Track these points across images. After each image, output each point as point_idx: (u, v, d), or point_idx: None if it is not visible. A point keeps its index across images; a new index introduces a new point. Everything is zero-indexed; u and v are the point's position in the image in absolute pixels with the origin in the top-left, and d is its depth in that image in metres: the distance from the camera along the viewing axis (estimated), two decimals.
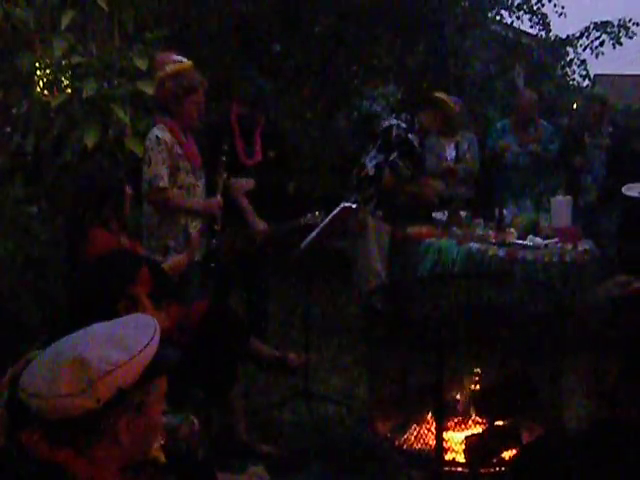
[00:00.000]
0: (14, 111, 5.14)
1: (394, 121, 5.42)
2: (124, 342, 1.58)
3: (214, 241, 4.29)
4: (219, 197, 4.25)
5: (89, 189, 3.59)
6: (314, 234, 4.13)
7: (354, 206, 4.44)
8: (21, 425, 1.61)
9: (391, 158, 5.25)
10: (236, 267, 4.72)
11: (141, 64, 4.71)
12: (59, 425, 1.53)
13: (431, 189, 5.59)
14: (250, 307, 4.86)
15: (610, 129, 6.16)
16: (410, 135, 5.31)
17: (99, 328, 1.64)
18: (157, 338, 1.61)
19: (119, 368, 1.53)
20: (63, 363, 1.53)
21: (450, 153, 6.01)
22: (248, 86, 4.84)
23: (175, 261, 3.80)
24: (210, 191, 4.29)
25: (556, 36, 8.92)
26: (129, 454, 1.61)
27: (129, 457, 1.62)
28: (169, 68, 4.06)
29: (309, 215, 4.54)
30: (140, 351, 1.57)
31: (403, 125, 5.33)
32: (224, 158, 4.32)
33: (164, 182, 3.97)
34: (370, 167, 5.25)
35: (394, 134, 5.25)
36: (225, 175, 4.35)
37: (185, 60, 4.14)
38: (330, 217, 4.16)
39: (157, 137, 3.99)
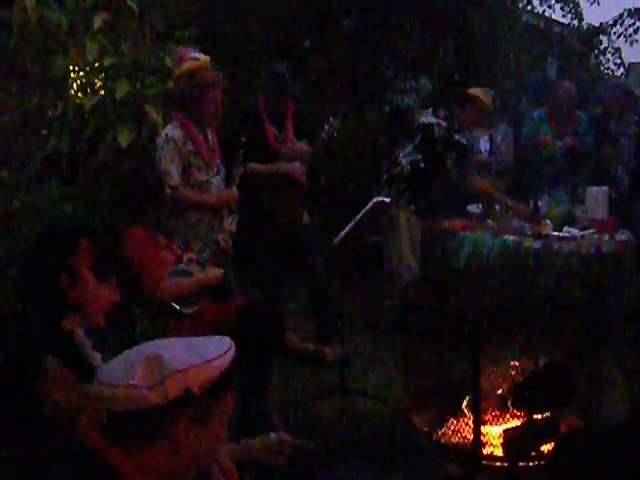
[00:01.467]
0: (49, 113, 5.20)
1: (432, 118, 5.38)
2: (200, 350, 1.63)
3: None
4: (234, 189, 4.25)
5: (129, 189, 3.64)
6: (347, 229, 4.13)
7: (387, 200, 4.43)
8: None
9: (449, 160, 5.25)
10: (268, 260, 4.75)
11: (172, 63, 4.74)
12: (123, 417, 1.56)
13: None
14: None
15: (636, 118, 6.10)
16: (456, 136, 5.31)
17: (179, 339, 1.72)
18: (231, 354, 1.65)
19: (190, 369, 1.57)
20: (139, 358, 1.60)
21: (484, 145, 5.98)
22: (273, 79, 4.89)
23: (209, 276, 3.79)
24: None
25: (589, 24, 8.80)
26: (183, 464, 1.62)
27: (183, 467, 1.62)
28: (184, 66, 4.10)
29: (327, 126, 4.69)
30: (213, 359, 1.61)
31: (444, 124, 5.30)
32: (241, 151, 4.32)
33: (174, 180, 4.00)
34: (405, 164, 5.23)
35: (437, 134, 5.23)
36: (241, 168, 4.36)
37: (202, 57, 4.16)
38: (363, 212, 4.15)
39: (166, 135, 4.05)
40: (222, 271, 3.80)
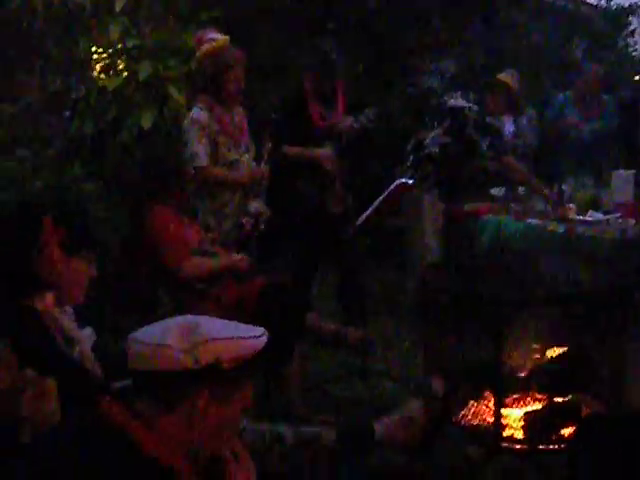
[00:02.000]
0: (73, 95, 5.23)
1: (463, 102, 5.35)
2: (237, 327, 1.65)
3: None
4: (264, 167, 4.26)
5: (155, 169, 3.67)
6: (369, 210, 4.13)
7: (410, 182, 4.42)
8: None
9: (484, 143, 5.23)
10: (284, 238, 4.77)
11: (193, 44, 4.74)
12: (149, 378, 1.57)
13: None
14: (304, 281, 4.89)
15: None
16: (488, 119, 5.29)
17: (217, 319, 1.72)
18: (264, 340, 1.65)
19: (225, 340, 1.58)
20: (177, 322, 1.62)
21: (509, 128, 5.93)
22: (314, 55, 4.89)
23: (232, 260, 3.81)
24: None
25: (617, 5, 8.68)
26: (195, 440, 1.61)
27: (197, 444, 1.62)
28: (204, 48, 4.12)
29: (362, 116, 4.64)
30: (248, 337, 1.61)
31: (475, 108, 5.27)
32: (272, 129, 4.34)
33: (201, 160, 4.03)
34: (433, 146, 5.21)
35: (469, 117, 5.20)
36: (270, 145, 4.36)
37: (220, 37, 4.16)
38: (386, 193, 4.15)
39: (192, 117, 4.08)
40: (247, 258, 3.82)
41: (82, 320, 2.38)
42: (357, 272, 4.88)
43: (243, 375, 1.63)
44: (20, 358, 2.07)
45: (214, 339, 1.57)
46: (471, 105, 5.30)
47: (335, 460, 2.13)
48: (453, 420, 3.22)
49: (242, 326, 1.68)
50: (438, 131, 5.24)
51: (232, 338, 1.59)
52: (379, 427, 2.22)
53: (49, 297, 2.26)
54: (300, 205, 4.78)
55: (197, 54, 4.22)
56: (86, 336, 2.35)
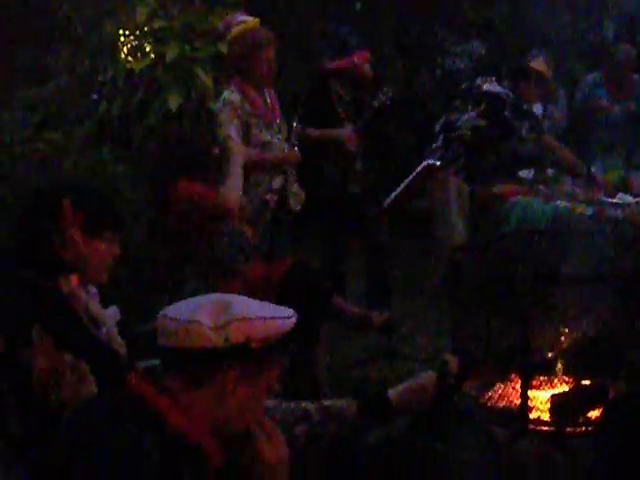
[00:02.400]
0: (100, 78, 5.25)
1: (499, 88, 5.30)
2: (269, 307, 1.67)
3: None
4: (296, 149, 4.28)
5: (179, 148, 3.69)
6: (397, 191, 4.12)
7: (437, 163, 4.40)
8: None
9: (523, 128, 5.21)
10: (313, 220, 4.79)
11: (222, 27, 4.74)
12: (179, 355, 1.58)
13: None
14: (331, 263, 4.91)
15: None
16: (526, 105, 5.26)
17: (249, 298, 1.73)
18: (294, 320, 1.66)
19: (257, 319, 1.59)
20: (209, 300, 1.63)
21: (537, 109, 5.88)
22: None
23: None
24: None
25: None
26: (223, 417, 1.63)
27: (222, 420, 1.64)
28: (235, 29, 4.13)
29: (380, 94, 4.65)
30: (279, 318, 1.63)
31: (511, 94, 5.24)
32: (300, 110, 4.35)
33: (234, 142, 4.04)
34: (466, 128, 5.18)
35: (507, 102, 5.17)
36: (299, 127, 4.37)
37: (250, 19, 4.17)
38: (413, 174, 4.14)
39: (224, 99, 4.12)
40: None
41: (108, 299, 2.40)
42: (383, 254, 4.88)
43: (272, 355, 1.64)
44: (55, 341, 2.10)
45: (245, 318, 1.58)
46: (507, 91, 5.27)
47: (357, 432, 2.15)
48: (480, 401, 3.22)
49: (272, 306, 1.69)
50: (472, 114, 5.21)
51: (263, 318, 1.60)
52: (393, 394, 2.26)
53: (74, 279, 2.28)
54: (323, 186, 4.79)
55: (228, 37, 4.23)
56: (111, 315, 2.37)
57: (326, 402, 2.21)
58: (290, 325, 1.65)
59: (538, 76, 5.24)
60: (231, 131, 4.05)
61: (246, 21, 4.20)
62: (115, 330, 2.38)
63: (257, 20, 4.22)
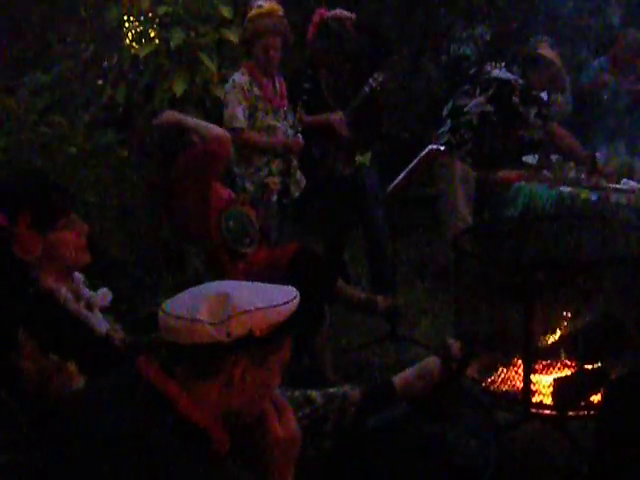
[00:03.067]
0: (105, 64, 5.27)
1: (508, 75, 5.28)
2: (267, 294, 1.64)
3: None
4: (299, 136, 4.31)
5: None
6: (401, 177, 4.12)
7: (442, 148, 4.40)
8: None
9: (531, 113, 5.21)
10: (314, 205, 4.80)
11: (226, 12, 4.76)
12: (184, 351, 1.58)
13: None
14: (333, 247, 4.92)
15: None
16: (534, 92, 5.25)
17: (247, 282, 1.72)
18: (296, 302, 1.66)
19: (257, 311, 1.58)
20: (208, 294, 1.61)
21: (542, 96, 5.87)
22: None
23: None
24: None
25: None
26: (234, 404, 1.64)
27: (233, 407, 1.64)
28: (249, 14, 4.17)
29: (371, 80, 4.65)
30: (280, 304, 1.61)
31: (521, 81, 5.22)
32: (304, 97, 4.37)
33: (240, 123, 4.11)
34: (474, 113, 5.18)
35: (517, 89, 5.16)
36: (301, 113, 4.40)
37: (267, 4, 4.17)
38: (417, 159, 4.13)
39: (233, 80, 4.16)
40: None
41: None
42: (383, 239, 4.89)
43: (277, 339, 1.63)
44: (41, 344, 2.11)
45: (246, 311, 1.57)
46: (517, 78, 5.26)
47: (361, 416, 2.16)
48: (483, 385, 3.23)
49: (273, 290, 1.68)
50: (480, 99, 5.20)
51: (263, 308, 1.59)
52: (397, 380, 2.28)
53: (50, 275, 2.27)
54: (314, 170, 4.79)
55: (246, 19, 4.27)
56: (101, 296, 2.36)
57: (330, 390, 2.23)
58: (293, 307, 1.64)
59: (548, 63, 5.22)
60: (237, 112, 4.10)
61: (262, 6, 4.21)
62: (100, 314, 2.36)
63: (273, 6, 4.22)
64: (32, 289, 2.21)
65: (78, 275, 2.37)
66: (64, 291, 2.26)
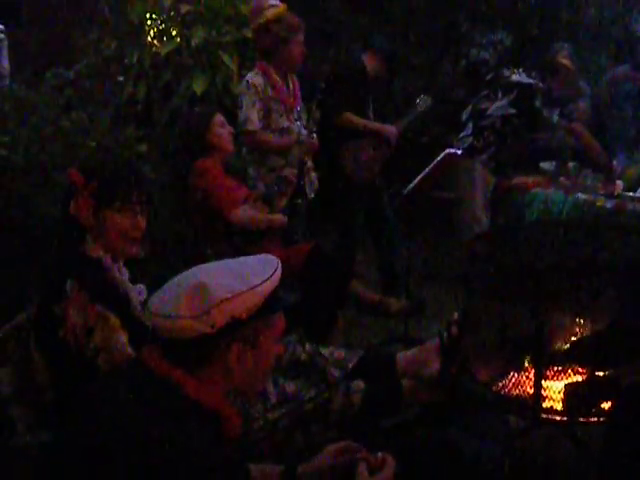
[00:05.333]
0: (126, 61, 5.30)
1: (529, 79, 5.30)
2: (245, 275, 1.64)
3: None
4: (314, 137, 4.29)
5: (195, 126, 3.73)
6: (417, 180, 4.13)
7: (459, 152, 4.41)
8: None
9: (555, 115, 5.21)
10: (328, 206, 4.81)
11: (247, 11, 4.76)
12: (175, 344, 1.61)
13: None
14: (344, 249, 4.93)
15: None
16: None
17: (224, 262, 1.73)
18: (277, 276, 1.66)
19: (236, 297, 1.59)
20: (186, 287, 1.62)
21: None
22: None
23: (275, 219, 3.86)
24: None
25: None
26: (237, 383, 1.67)
27: (237, 386, 1.68)
28: (269, 13, 4.13)
29: (421, 99, 4.67)
30: (258, 285, 1.62)
31: (541, 85, 5.23)
32: (319, 97, 4.36)
33: (253, 125, 4.09)
34: (496, 117, 5.18)
35: (539, 92, 5.17)
36: (318, 114, 4.39)
37: (280, 4, 4.18)
38: (434, 163, 4.15)
39: (247, 82, 4.13)
40: (285, 218, 3.86)
41: (133, 278, 2.45)
42: (397, 241, 4.91)
43: (265, 316, 1.64)
44: (90, 294, 2.19)
45: (224, 300, 1.58)
46: (538, 82, 5.26)
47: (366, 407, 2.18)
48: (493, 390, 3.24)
49: (250, 267, 1.67)
50: (503, 102, 5.20)
51: (243, 293, 1.59)
52: (399, 359, 2.33)
53: (99, 247, 2.34)
54: (335, 173, 4.81)
55: (260, 20, 4.21)
56: (137, 293, 2.42)
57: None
58: (274, 282, 1.64)
59: (565, 71, 5.24)
60: (252, 114, 4.08)
61: (277, 5, 4.21)
62: (140, 308, 2.43)
63: (285, 6, 4.23)
64: (81, 250, 2.31)
65: (125, 271, 2.44)
66: (109, 262, 2.34)
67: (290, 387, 2.17)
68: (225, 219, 3.66)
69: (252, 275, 1.64)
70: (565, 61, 5.28)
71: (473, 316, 3.14)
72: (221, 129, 3.81)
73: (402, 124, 4.94)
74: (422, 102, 4.97)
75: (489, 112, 5.19)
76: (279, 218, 3.81)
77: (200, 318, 1.57)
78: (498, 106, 5.18)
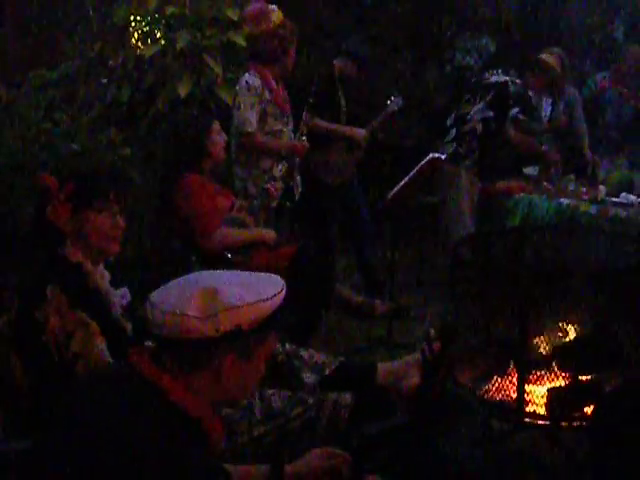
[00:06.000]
0: (110, 63, 5.27)
1: (504, 77, 5.31)
2: (255, 288, 1.66)
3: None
4: (305, 140, 4.31)
5: (185, 137, 3.71)
6: (401, 184, 4.14)
7: (443, 157, 4.42)
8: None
9: (512, 114, 5.21)
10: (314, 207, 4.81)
11: (232, 15, 4.76)
12: (170, 344, 1.61)
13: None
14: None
15: None
16: (531, 92, 5.27)
17: (236, 273, 1.76)
18: (282, 295, 1.67)
19: (245, 306, 1.60)
20: (197, 288, 1.62)
21: (546, 109, 5.87)
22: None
23: (264, 235, 3.86)
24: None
25: None
26: (223, 394, 1.67)
27: (222, 396, 1.68)
28: (276, 17, 4.12)
29: (392, 101, 4.68)
30: (267, 299, 1.63)
31: (518, 81, 5.24)
32: (311, 100, 4.37)
33: (252, 127, 4.08)
34: (477, 121, 5.18)
35: (512, 90, 5.18)
36: (308, 116, 4.40)
37: (275, 8, 4.19)
38: (418, 167, 4.16)
39: (246, 82, 4.11)
40: (274, 233, 3.86)
41: (117, 281, 2.45)
42: (371, 240, 4.94)
43: (264, 332, 1.66)
44: (69, 299, 2.20)
45: (233, 307, 1.59)
46: (513, 79, 5.27)
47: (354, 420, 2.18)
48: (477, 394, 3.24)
49: (260, 281, 1.69)
50: (480, 105, 5.20)
51: (252, 303, 1.61)
52: (380, 369, 2.37)
53: (78, 251, 2.33)
54: (313, 179, 4.82)
55: (267, 24, 4.19)
56: (119, 296, 2.41)
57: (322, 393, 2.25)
58: (279, 300, 1.66)
59: (542, 65, 5.24)
60: (250, 115, 4.08)
61: (278, 10, 4.22)
62: (121, 311, 2.42)
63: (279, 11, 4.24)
64: (61, 255, 2.32)
65: (107, 274, 2.43)
66: (90, 266, 2.34)
67: (276, 402, 2.17)
68: (203, 244, 3.66)
69: (262, 288, 1.66)
70: (548, 59, 5.29)
71: (454, 331, 3.15)
72: (218, 137, 3.81)
73: (372, 126, 4.96)
74: (393, 103, 4.98)
75: (469, 116, 5.20)
76: (270, 234, 3.83)
77: (207, 320, 1.57)
78: (476, 110, 5.19)
